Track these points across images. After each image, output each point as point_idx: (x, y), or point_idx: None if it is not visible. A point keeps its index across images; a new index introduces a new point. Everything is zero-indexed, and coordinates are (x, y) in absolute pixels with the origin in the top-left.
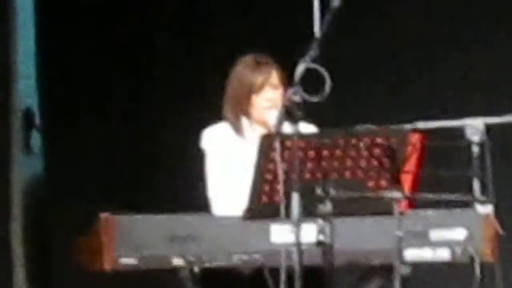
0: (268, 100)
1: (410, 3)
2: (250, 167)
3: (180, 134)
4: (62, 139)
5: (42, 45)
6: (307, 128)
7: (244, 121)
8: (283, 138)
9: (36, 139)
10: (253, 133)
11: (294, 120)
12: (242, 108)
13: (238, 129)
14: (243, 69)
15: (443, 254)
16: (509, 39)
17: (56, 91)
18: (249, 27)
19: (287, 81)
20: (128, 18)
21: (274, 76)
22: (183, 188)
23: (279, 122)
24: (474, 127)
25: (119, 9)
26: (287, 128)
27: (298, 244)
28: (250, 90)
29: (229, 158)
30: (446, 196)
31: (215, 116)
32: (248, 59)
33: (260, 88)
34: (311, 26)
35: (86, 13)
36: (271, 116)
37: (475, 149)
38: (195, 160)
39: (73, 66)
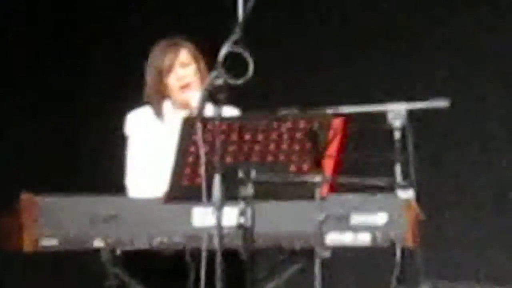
0: (179, 78)
1: None
2: (171, 151)
3: (106, 117)
4: None
5: None
6: (231, 111)
7: (168, 104)
8: (205, 120)
9: None
10: (175, 116)
11: (217, 103)
12: (160, 92)
13: (159, 113)
14: (154, 54)
15: (364, 239)
16: (432, 26)
17: None
18: (173, 11)
19: (200, 53)
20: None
21: (183, 54)
22: (106, 172)
23: (201, 105)
24: (396, 112)
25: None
26: (209, 111)
27: (219, 227)
28: (161, 72)
29: (150, 142)
30: (367, 181)
31: (141, 99)
32: (160, 43)
33: (169, 69)
34: (235, 9)
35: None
36: (194, 98)
37: (397, 134)
38: (118, 144)
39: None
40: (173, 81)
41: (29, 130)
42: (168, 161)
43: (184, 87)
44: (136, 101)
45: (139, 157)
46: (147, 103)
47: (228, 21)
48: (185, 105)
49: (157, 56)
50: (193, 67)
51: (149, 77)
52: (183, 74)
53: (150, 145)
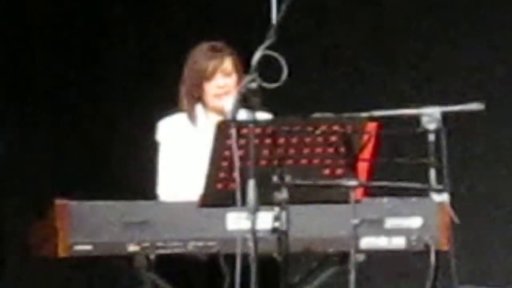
0: (219, 87)
1: None
2: (205, 156)
3: (137, 124)
4: (19, 127)
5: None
6: (264, 116)
7: (200, 109)
8: (239, 125)
9: None
10: (207, 121)
11: (250, 107)
12: (196, 95)
13: (192, 117)
14: (196, 57)
15: (399, 242)
16: (466, 31)
17: (7, 83)
18: (207, 15)
19: (244, 69)
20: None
21: (227, 63)
22: (139, 179)
23: (235, 109)
24: (431, 115)
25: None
26: (243, 115)
27: (253, 232)
28: (202, 77)
29: (183, 148)
30: (402, 184)
31: (174, 107)
32: (202, 46)
33: (212, 75)
34: (268, 14)
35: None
36: (227, 102)
37: (431, 138)
38: (150, 151)
39: (27, 58)
40: (212, 87)
41: (61, 138)
42: (202, 165)
43: (222, 95)
44: (166, 108)
45: (172, 164)
46: (179, 110)
47: (262, 26)
48: (218, 111)
49: (200, 60)
50: (234, 77)
51: (188, 79)
52: (223, 83)
53: (182, 152)
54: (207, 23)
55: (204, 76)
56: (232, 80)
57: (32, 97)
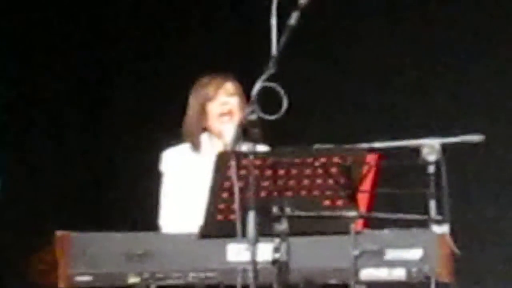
0: (223, 104)
1: (370, 25)
2: (208, 184)
3: (140, 155)
4: (18, 160)
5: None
6: (262, 148)
7: (205, 137)
8: (239, 156)
9: None
10: (212, 149)
11: (251, 138)
12: (200, 120)
13: (196, 145)
14: (198, 85)
15: (399, 274)
16: (464, 62)
17: (10, 112)
18: (208, 47)
19: (243, 93)
20: (81, 38)
21: (229, 85)
22: (141, 209)
23: (236, 140)
24: (430, 147)
25: (73, 28)
26: (243, 147)
27: (254, 263)
28: (205, 99)
29: (187, 178)
30: (402, 216)
31: (177, 138)
32: (204, 76)
33: (214, 94)
34: (268, 45)
35: (39, 34)
36: (228, 130)
37: (431, 169)
38: (153, 181)
39: (27, 89)
40: (215, 107)
41: (62, 170)
42: (205, 193)
43: (225, 114)
44: (170, 139)
45: (174, 194)
46: (183, 140)
47: (262, 58)
48: (219, 135)
49: (202, 85)
50: (237, 98)
51: (192, 104)
52: (226, 100)
53: (186, 182)
54: (209, 53)
55: (208, 97)
56: (235, 100)
57: (33, 122)
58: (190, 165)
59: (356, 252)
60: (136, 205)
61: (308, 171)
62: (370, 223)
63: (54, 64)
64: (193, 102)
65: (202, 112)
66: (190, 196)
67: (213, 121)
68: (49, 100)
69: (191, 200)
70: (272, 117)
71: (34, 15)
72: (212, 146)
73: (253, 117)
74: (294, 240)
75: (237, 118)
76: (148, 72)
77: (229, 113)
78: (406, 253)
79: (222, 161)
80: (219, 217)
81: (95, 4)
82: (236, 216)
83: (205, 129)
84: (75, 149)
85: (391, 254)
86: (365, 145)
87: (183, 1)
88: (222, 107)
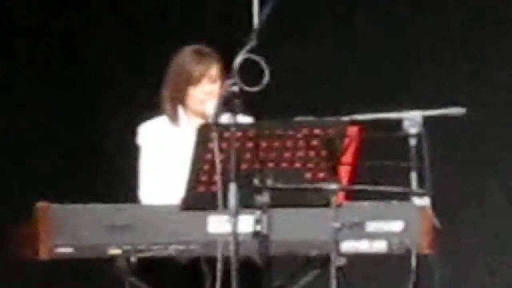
0: (206, 93)
1: None
2: (187, 158)
3: (119, 128)
4: (4, 133)
5: None
6: (245, 119)
7: (181, 111)
8: (221, 128)
9: None
10: (189, 123)
11: (232, 110)
12: (179, 97)
13: (174, 118)
14: (183, 59)
15: (380, 246)
16: (450, 35)
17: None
18: (189, 19)
19: (226, 72)
20: (64, 13)
21: (214, 69)
22: (121, 183)
23: (217, 112)
24: (412, 119)
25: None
26: (225, 118)
27: (235, 235)
28: (188, 81)
29: (165, 151)
30: (383, 188)
31: (155, 111)
32: (189, 49)
33: (198, 80)
34: (250, 17)
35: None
36: (209, 106)
37: (413, 141)
38: (132, 155)
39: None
40: (198, 93)
41: (45, 140)
42: (185, 167)
43: (206, 101)
44: (148, 111)
45: (153, 167)
46: (160, 113)
47: (243, 29)
48: (200, 115)
49: (186, 64)
50: (218, 83)
51: (172, 82)
52: (210, 89)
53: (164, 154)
54: (189, 25)
55: (190, 81)
56: (217, 86)
57: (19, 100)
58: (169, 138)
59: (337, 225)
60: (117, 179)
61: (289, 143)
62: (352, 195)
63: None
64: (173, 79)
65: (183, 92)
66: (169, 168)
67: (193, 103)
68: (38, 74)
69: (171, 172)
70: (254, 89)
71: None
72: (189, 121)
73: (235, 89)
74: (275, 212)
75: (215, 96)
76: (127, 44)
77: (210, 100)
78: (387, 226)
79: (203, 133)
80: (201, 189)
81: None
82: (217, 188)
83: (181, 101)
84: (60, 123)
85: (372, 226)
86: (346, 118)
87: None
88: (205, 96)
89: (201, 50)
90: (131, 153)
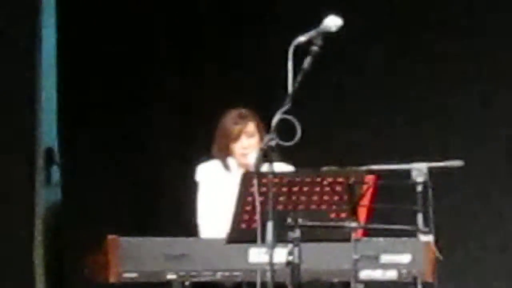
0: (244, 147)
1: (375, 58)
2: (234, 198)
3: (179, 170)
4: (77, 173)
5: (63, 94)
6: (286, 167)
7: (231, 160)
8: (260, 175)
9: (55, 173)
10: (238, 170)
11: (269, 161)
12: (225, 152)
13: (226, 166)
14: (225, 121)
15: (391, 274)
16: (453, 89)
17: (72, 133)
18: (236, 85)
19: (264, 129)
20: (136, 61)
21: (250, 126)
22: (183, 215)
23: (258, 162)
24: (419, 169)
25: (131, 56)
26: (265, 167)
27: (271, 264)
28: (229, 139)
29: (218, 188)
30: (394, 227)
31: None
32: (231, 112)
33: (237, 137)
34: (285, 85)
35: (105, 60)
36: (251, 157)
37: (419, 188)
38: (191, 192)
39: (88, 114)
40: (237, 148)
41: (114, 183)
42: (231, 206)
43: (246, 154)
44: (204, 153)
45: (209, 199)
46: (215, 157)
47: (279, 94)
48: (243, 166)
49: (227, 124)
50: (256, 137)
51: (218, 139)
52: (247, 144)
53: (217, 191)
54: (237, 92)
55: (231, 138)
56: (254, 140)
57: (85, 140)
58: (221, 179)
59: (356, 256)
60: (179, 214)
61: (317, 189)
62: (368, 232)
63: (112, 92)
64: (219, 137)
65: (227, 147)
66: (220, 204)
67: (236, 156)
68: (101, 123)
69: (221, 208)
70: (288, 144)
71: None
72: (238, 169)
73: (273, 143)
74: (305, 246)
75: (256, 148)
76: (187, 99)
77: (248, 153)
78: (397, 258)
79: (246, 180)
80: (243, 226)
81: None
82: (257, 225)
83: (230, 154)
84: (126, 164)
85: (385, 258)
86: (364, 168)
87: (223, 45)
88: (244, 150)
89: (240, 112)
90: (190, 192)
